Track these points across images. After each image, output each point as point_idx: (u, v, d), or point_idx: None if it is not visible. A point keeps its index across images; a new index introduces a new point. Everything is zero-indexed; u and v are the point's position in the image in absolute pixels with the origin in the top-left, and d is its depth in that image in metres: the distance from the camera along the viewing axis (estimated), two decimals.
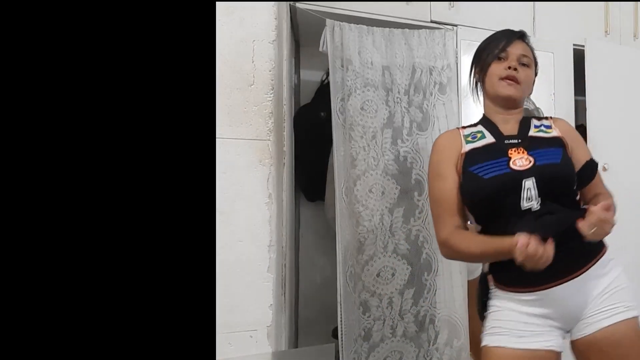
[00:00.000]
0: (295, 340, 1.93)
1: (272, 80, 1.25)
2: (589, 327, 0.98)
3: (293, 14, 1.64)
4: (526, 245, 0.85)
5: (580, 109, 1.94)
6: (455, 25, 1.73)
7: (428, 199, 1.63)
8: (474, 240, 1.04)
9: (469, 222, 1.10)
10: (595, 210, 0.90)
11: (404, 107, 1.62)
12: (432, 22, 1.72)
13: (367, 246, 1.55)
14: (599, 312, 0.98)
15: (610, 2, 1.96)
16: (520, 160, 1.00)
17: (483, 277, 1.12)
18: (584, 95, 1.83)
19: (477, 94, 1.17)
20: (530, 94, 1.15)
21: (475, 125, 1.13)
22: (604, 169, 1.75)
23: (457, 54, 1.70)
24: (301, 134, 1.89)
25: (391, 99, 1.61)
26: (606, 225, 0.90)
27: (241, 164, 1.20)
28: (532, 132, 1.07)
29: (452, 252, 1.07)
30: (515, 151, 1.02)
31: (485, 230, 1.04)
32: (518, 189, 0.97)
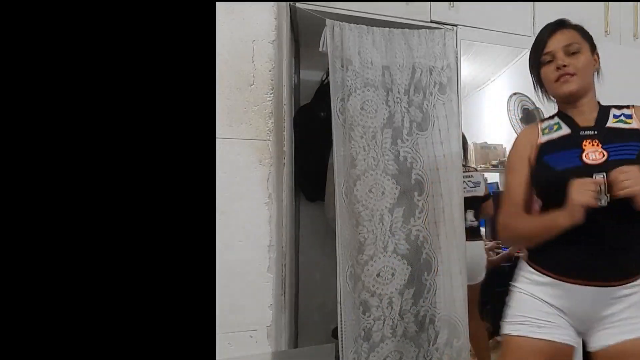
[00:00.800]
0: (295, 340, 1.93)
1: (272, 80, 1.25)
2: (611, 338, 0.99)
3: (293, 14, 1.64)
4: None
5: None
6: (455, 25, 1.73)
7: (428, 199, 1.64)
8: (532, 218, 1.07)
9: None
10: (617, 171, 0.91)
11: (404, 107, 1.62)
12: (432, 22, 1.72)
13: (367, 246, 1.55)
14: (621, 325, 0.99)
15: (610, 2, 1.96)
16: (593, 153, 0.99)
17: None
18: None
19: (546, 96, 1.15)
20: (597, 70, 1.11)
21: (552, 117, 1.14)
22: None
23: (457, 53, 1.70)
24: (301, 134, 1.89)
25: (391, 99, 1.61)
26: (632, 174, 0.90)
27: (241, 164, 1.20)
28: (611, 123, 1.05)
29: (510, 233, 1.12)
30: (590, 143, 1.01)
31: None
32: None
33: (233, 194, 1.19)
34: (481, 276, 2.18)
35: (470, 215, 2.08)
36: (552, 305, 1.03)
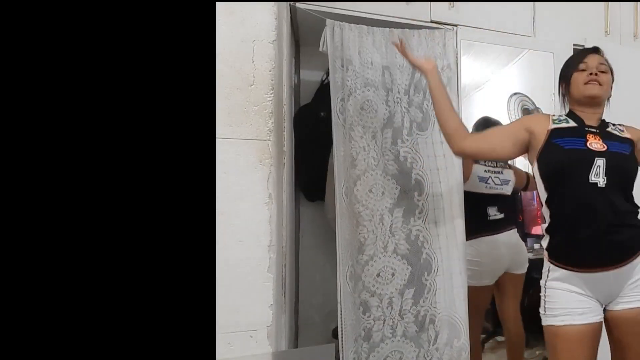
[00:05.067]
0: (295, 340, 1.93)
1: (272, 80, 1.25)
2: (622, 304, 1.19)
3: (293, 14, 1.64)
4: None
5: None
6: (455, 25, 1.73)
7: (428, 199, 1.64)
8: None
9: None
10: None
11: (404, 107, 1.62)
12: (432, 22, 1.72)
13: (367, 246, 1.55)
14: (631, 295, 1.19)
15: (610, 2, 1.96)
16: (596, 143, 1.20)
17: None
18: None
19: (566, 99, 1.35)
20: (610, 97, 1.33)
21: (561, 115, 1.33)
22: None
23: (457, 54, 1.70)
24: (301, 134, 1.89)
25: (391, 99, 1.61)
26: None
27: (241, 164, 1.20)
28: (610, 129, 1.27)
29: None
30: (592, 137, 1.22)
31: (551, 198, 1.22)
32: (590, 164, 1.16)
33: (233, 194, 1.19)
34: (523, 267, 1.97)
35: (494, 210, 2.00)
36: (582, 293, 1.17)
